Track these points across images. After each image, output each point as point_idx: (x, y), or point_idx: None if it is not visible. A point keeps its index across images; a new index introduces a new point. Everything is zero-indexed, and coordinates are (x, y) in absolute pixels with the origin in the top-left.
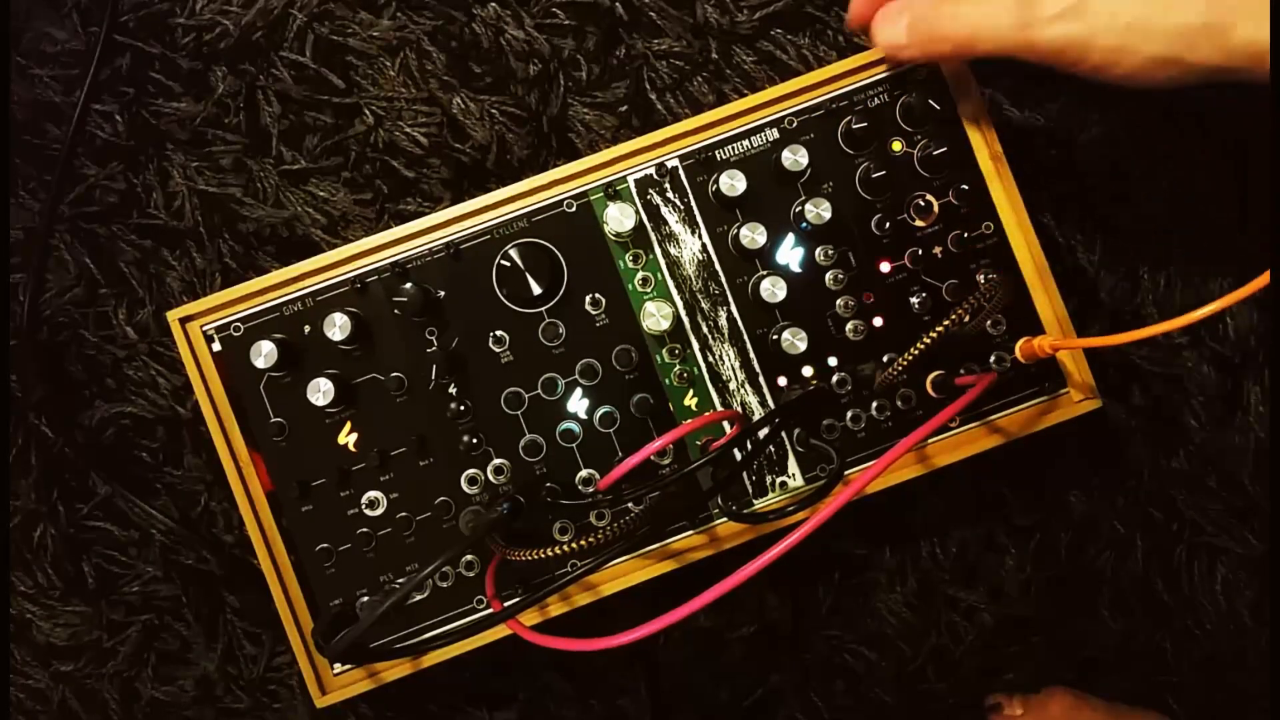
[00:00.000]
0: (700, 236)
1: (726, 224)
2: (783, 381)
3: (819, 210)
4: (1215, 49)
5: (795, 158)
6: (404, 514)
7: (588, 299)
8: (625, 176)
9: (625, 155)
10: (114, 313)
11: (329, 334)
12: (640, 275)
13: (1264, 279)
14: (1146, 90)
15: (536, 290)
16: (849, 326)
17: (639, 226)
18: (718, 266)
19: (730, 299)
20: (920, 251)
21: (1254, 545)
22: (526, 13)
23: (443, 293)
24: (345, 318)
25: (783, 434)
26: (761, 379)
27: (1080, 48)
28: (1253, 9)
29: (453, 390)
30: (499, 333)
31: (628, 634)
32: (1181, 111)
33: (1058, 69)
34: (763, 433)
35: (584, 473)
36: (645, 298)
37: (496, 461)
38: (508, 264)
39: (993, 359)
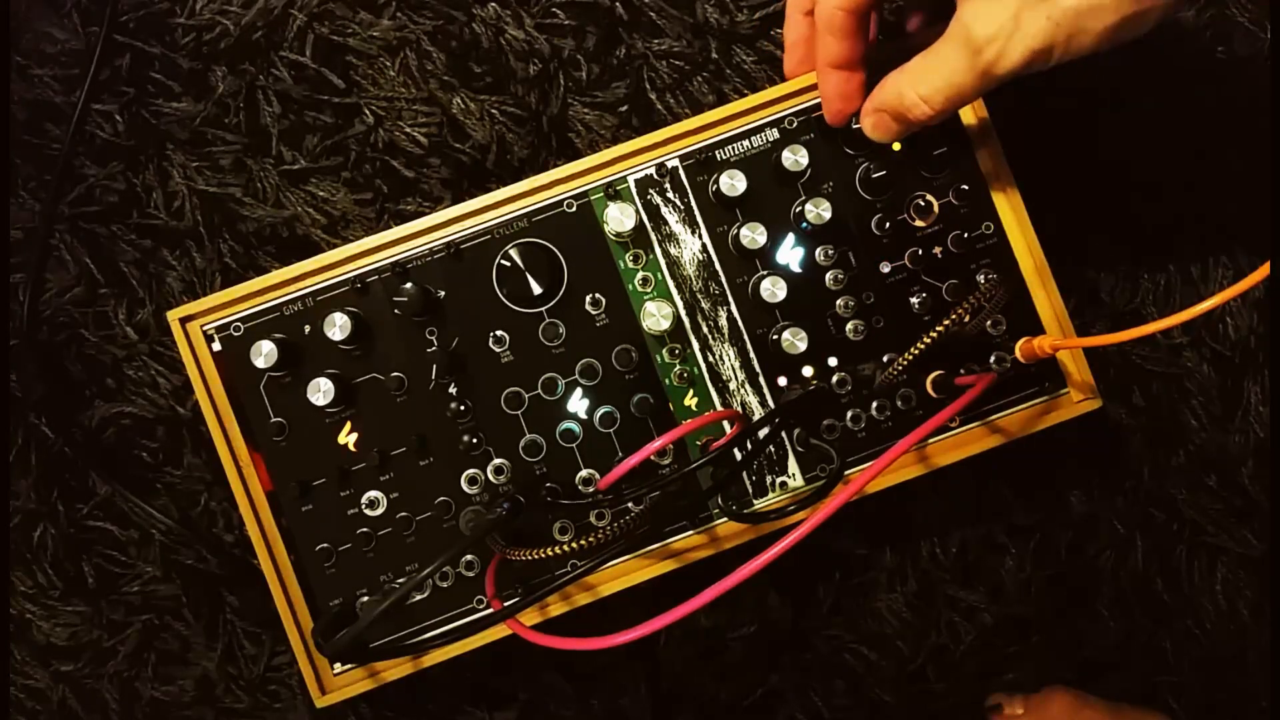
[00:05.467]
0: (700, 236)
1: (726, 224)
2: (783, 381)
3: (819, 210)
4: None
5: (795, 158)
6: (404, 514)
7: (588, 299)
8: (625, 176)
9: (625, 155)
10: (114, 313)
11: (329, 334)
12: (640, 275)
13: (1264, 271)
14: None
15: (536, 290)
16: (849, 326)
17: (639, 226)
18: (718, 266)
19: (730, 299)
20: (920, 251)
21: (1254, 545)
22: (526, 13)
23: (443, 293)
24: (345, 318)
25: (783, 434)
26: (761, 379)
27: (1040, 55)
28: None
29: (453, 390)
30: (499, 333)
31: (628, 633)
32: (1182, 110)
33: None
34: (763, 433)
35: (584, 473)
36: (645, 298)
37: (496, 461)
38: (508, 264)
39: (993, 359)
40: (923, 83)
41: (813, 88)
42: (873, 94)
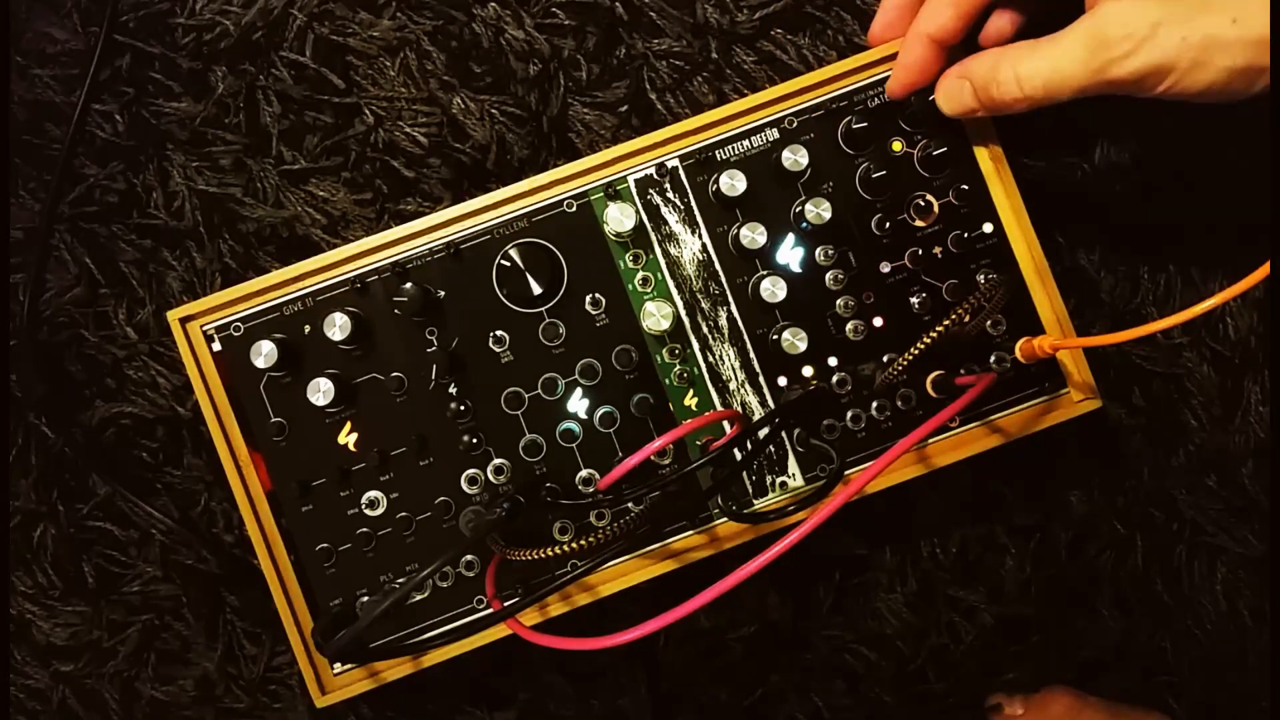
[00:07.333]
0: (700, 236)
1: (726, 224)
2: (783, 381)
3: (819, 210)
4: None
5: (795, 158)
6: (404, 514)
7: (588, 299)
8: (625, 176)
9: (625, 155)
10: (114, 313)
11: (329, 334)
12: (640, 275)
13: (1264, 270)
14: (1232, 103)
15: (536, 290)
16: (849, 326)
17: (639, 226)
18: (718, 266)
19: (730, 299)
20: (920, 251)
21: (1254, 545)
22: (526, 13)
23: (443, 293)
24: (345, 318)
25: (783, 434)
26: (761, 379)
27: (1158, 73)
28: None
29: (453, 390)
30: (499, 333)
31: (628, 633)
32: (1182, 110)
33: (1131, 94)
34: (763, 433)
35: (584, 473)
36: (645, 298)
37: (496, 461)
38: (508, 264)
39: (993, 359)
40: (1026, 63)
41: (814, 87)
42: (963, 61)
